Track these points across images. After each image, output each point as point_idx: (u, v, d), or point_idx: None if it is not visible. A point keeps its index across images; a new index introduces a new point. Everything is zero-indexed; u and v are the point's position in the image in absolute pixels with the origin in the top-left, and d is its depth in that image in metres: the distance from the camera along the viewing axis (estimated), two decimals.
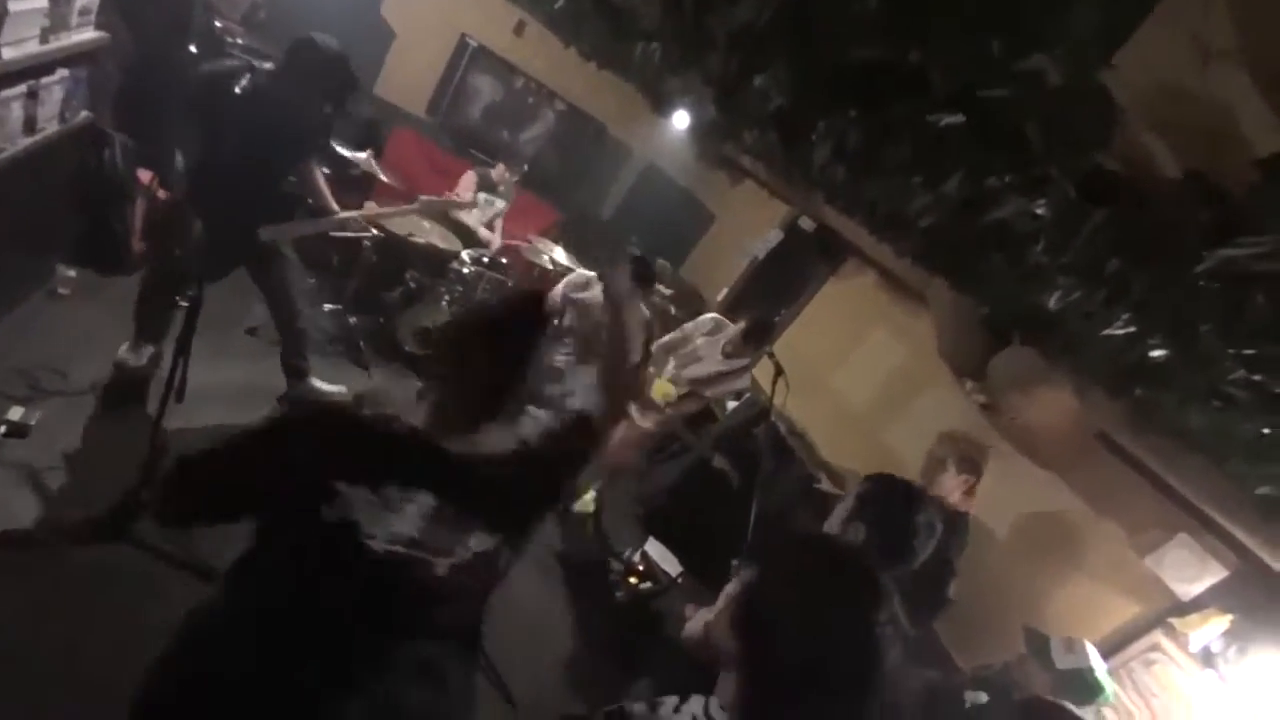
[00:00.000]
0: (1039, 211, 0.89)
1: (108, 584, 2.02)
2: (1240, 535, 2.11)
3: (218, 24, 3.42)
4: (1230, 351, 0.85)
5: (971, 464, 2.44)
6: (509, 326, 1.11)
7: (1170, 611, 2.49)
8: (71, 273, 3.11)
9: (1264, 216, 0.64)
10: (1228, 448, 1.49)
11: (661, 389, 3.26)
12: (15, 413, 2.34)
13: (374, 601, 0.94)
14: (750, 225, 5.03)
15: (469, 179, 4.36)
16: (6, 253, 2.60)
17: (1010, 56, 0.67)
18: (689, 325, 3.38)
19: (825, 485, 3.17)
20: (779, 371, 3.12)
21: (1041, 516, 2.87)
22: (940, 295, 2.76)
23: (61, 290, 3.07)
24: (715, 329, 3.29)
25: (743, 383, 3.28)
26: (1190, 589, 2.47)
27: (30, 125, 2.33)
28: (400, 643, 0.96)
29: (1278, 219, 0.70)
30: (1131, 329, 1.07)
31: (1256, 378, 0.88)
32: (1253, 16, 0.67)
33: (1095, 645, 2.56)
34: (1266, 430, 1.07)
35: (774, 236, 4.63)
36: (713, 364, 3.21)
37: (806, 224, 4.40)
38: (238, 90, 2.41)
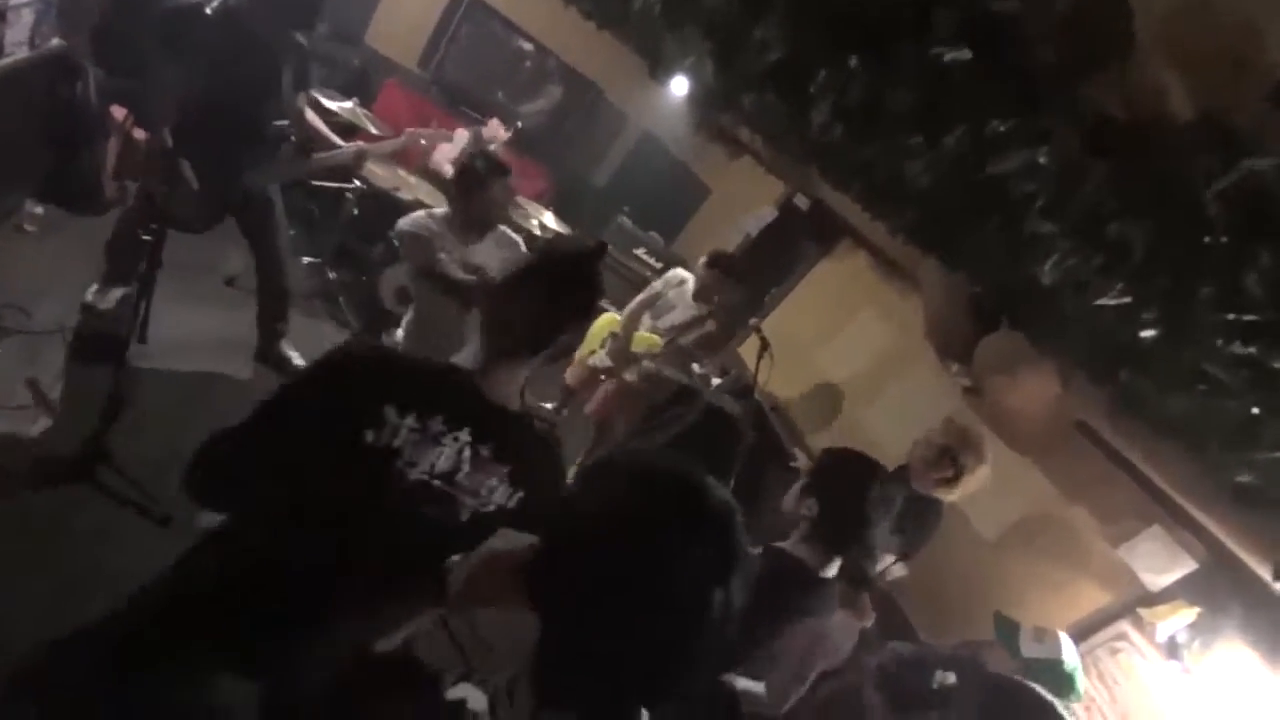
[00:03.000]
0: (1041, 160, 0.85)
1: (62, 528, 1.96)
2: (1212, 527, 2.12)
3: None
4: (1229, 318, 0.82)
5: (950, 458, 2.36)
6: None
7: (1138, 602, 2.51)
8: (39, 209, 2.99)
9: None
10: (1209, 434, 1.47)
11: (644, 339, 3.34)
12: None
13: (398, 536, 0.92)
14: (745, 201, 4.96)
15: (460, 134, 4.25)
16: None
17: None
18: (657, 282, 3.51)
19: (801, 463, 3.17)
20: (765, 347, 3.10)
21: (1016, 503, 2.89)
22: (931, 275, 2.73)
23: (28, 226, 2.95)
24: (681, 281, 3.44)
25: (710, 326, 3.38)
26: (1160, 580, 2.49)
27: None
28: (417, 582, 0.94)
29: None
30: (1126, 299, 1.03)
31: (1251, 350, 0.85)
32: None
33: (1063, 631, 2.61)
34: (1256, 410, 1.04)
35: (768, 213, 4.57)
36: (685, 311, 3.34)
37: (802, 202, 4.34)
38: (205, 16, 2.31)
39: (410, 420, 0.92)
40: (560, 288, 1.04)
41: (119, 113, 3.28)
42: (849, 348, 3.79)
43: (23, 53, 2.36)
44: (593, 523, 0.66)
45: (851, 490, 1.45)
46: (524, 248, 2.50)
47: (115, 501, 2.03)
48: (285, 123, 2.75)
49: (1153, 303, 1.07)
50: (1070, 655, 2.09)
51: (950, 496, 2.41)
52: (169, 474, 1.22)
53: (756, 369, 3.08)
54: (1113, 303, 1.08)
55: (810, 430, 3.80)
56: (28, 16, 2.31)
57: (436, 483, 0.94)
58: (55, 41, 2.62)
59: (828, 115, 1.51)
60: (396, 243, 2.30)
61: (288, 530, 0.90)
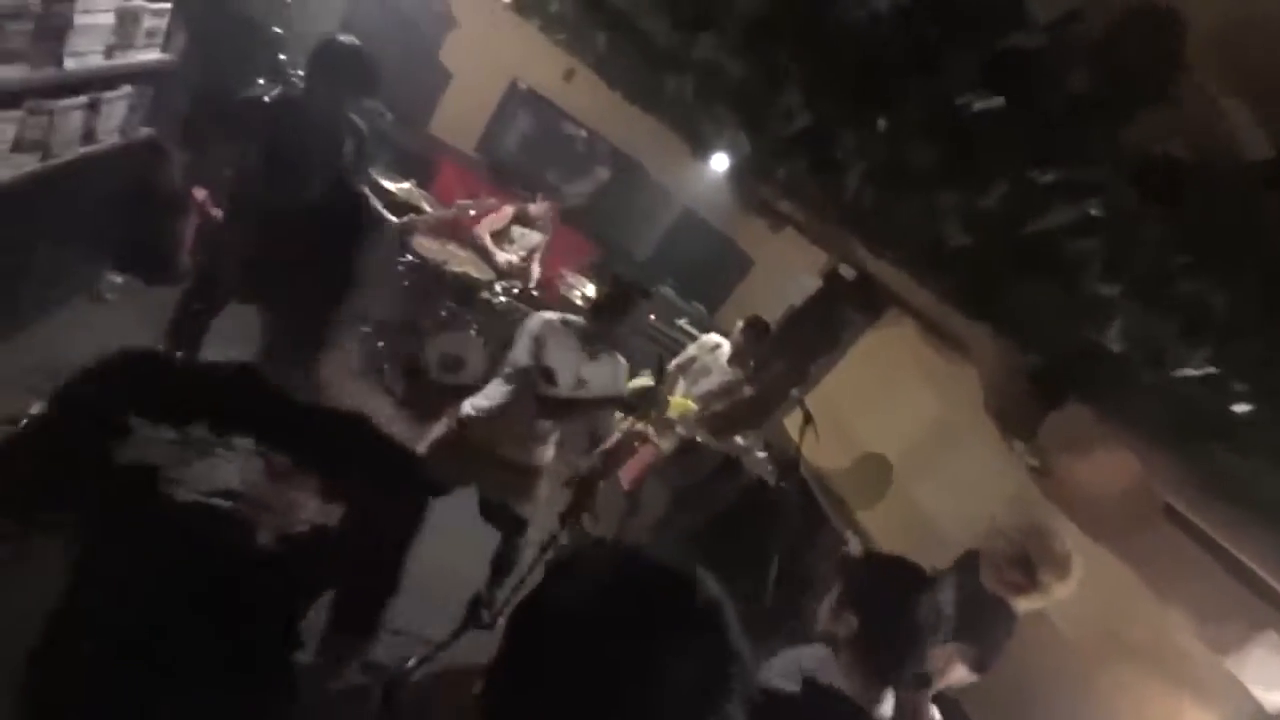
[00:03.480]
0: (1093, 213, 0.76)
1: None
2: None
3: (282, 56, 3.60)
4: None
5: (1026, 567, 2.05)
6: None
7: None
8: (118, 279, 3.23)
9: None
10: None
11: (679, 404, 3.29)
12: (37, 407, 2.36)
13: (180, 568, 0.79)
14: (789, 273, 4.93)
15: (506, 210, 4.43)
16: (55, 254, 2.70)
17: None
18: (692, 347, 3.58)
19: (853, 547, 2.94)
20: (808, 419, 2.97)
21: (1100, 597, 2.56)
22: (984, 343, 2.57)
23: (107, 295, 3.18)
24: (716, 345, 3.52)
25: (749, 391, 3.41)
26: (1277, 697, 2.13)
27: (89, 135, 2.45)
28: (209, 624, 0.81)
29: None
30: (1210, 369, 0.90)
31: None
32: None
33: None
34: None
35: (812, 284, 4.51)
36: (721, 375, 3.37)
37: (847, 272, 4.27)
38: (268, 100, 2.50)
39: (166, 431, 0.79)
40: None
41: (199, 193, 3.59)
42: (900, 420, 3.59)
43: (114, 140, 2.61)
44: (561, 627, 0.53)
45: (897, 603, 1.23)
46: (623, 374, 2.50)
47: None
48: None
49: (1244, 372, 0.94)
50: None
51: (1023, 606, 2.13)
52: None
53: (800, 442, 2.94)
54: (1197, 373, 0.95)
55: (861, 507, 3.56)
56: (121, 108, 2.56)
57: (216, 501, 0.79)
58: (144, 131, 2.91)
59: (858, 179, 1.47)
60: (525, 337, 2.31)
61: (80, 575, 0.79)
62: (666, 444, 3.26)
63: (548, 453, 2.49)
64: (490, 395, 2.37)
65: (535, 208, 4.50)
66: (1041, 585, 2.08)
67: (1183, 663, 2.32)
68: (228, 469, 0.80)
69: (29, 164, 2.10)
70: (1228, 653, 2.24)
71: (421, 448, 2.47)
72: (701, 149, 3.78)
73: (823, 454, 3.39)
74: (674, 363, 3.47)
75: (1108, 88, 0.58)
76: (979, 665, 2.15)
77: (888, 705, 1.26)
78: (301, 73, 3.72)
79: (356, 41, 2.53)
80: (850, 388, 4.08)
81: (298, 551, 0.82)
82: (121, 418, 0.78)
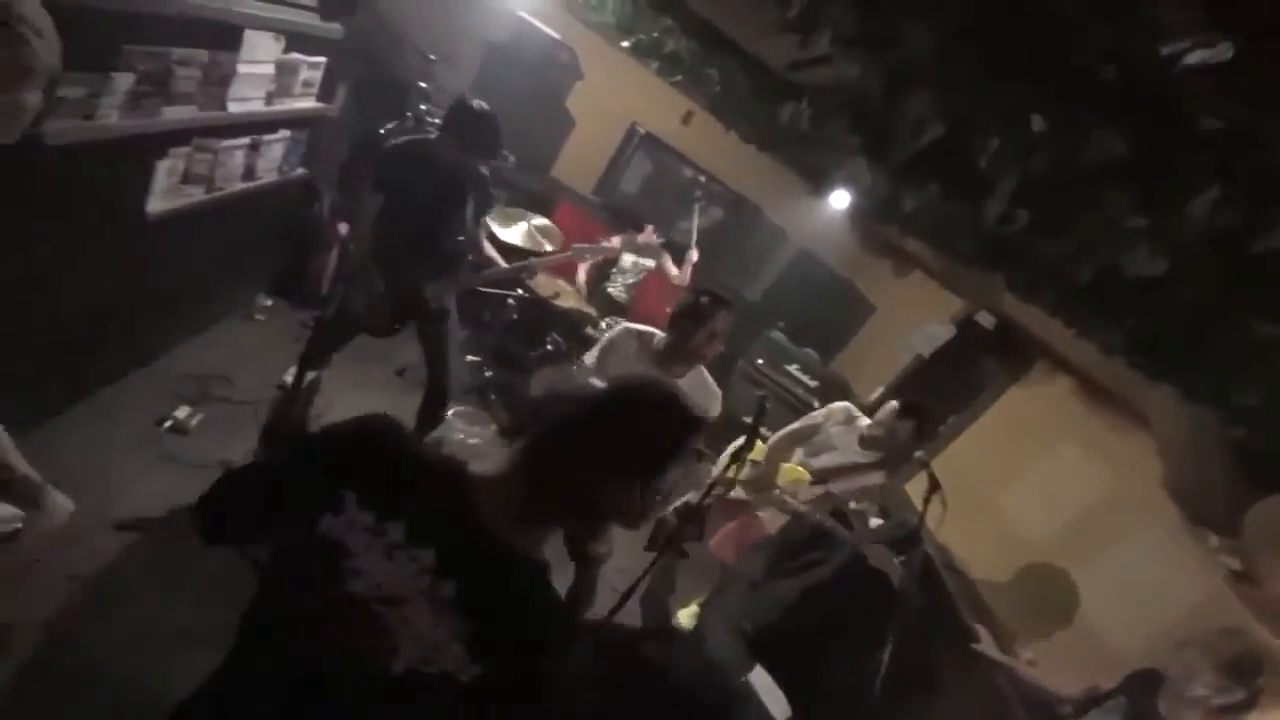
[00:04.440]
0: None
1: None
2: None
3: (423, 107, 3.91)
4: None
5: (1249, 676, 1.60)
6: None
7: None
8: (269, 301, 3.58)
9: None
10: None
11: (791, 472, 2.92)
12: (182, 411, 2.60)
13: (312, 661, 0.75)
14: (917, 319, 4.50)
15: (615, 240, 4.46)
16: (216, 276, 3.03)
17: None
18: (819, 413, 3.06)
19: (986, 646, 2.48)
20: (934, 486, 2.58)
21: None
22: (1167, 409, 2.11)
23: (258, 316, 3.52)
24: (849, 418, 2.95)
25: (877, 479, 2.85)
26: None
27: (249, 173, 2.73)
28: None
29: None
30: None
31: None
32: None
33: None
34: None
35: (944, 332, 4.07)
36: (848, 454, 2.85)
37: (985, 320, 3.81)
38: (409, 149, 2.68)
39: (366, 517, 0.75)
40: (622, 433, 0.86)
41: (344, 228, 3.94)
42: (1052, 498, 3.05)
43: (272, 177, 2.91)
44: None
45: None
46: (713, 399, 2.33)
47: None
48: (463, 239, 3.06)
49: None
50: None
51: None
52: None
53: (924, 513, 2.56)
54: None
55: (998, 599, 3.04)
56: (278, 149, 2.84)
57: (379, 607, 0.74)
58: (300, 171, 3.23)
59: (1006, 199, 1.23)
60: (599, 343, 2.29)
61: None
62: (764, 513, 2.94)
63: None
64: None
65: (643, 237, 4.50)
66: (1253, 707, 1.59)
67: None
68: (399, 577, 0.75)
69: (196, 195, 2.36)
70: None
71: None
72: (820, 185, 3.59)
73: (953, 530, 2.94)
74: (792, 426, 3.02)
75: None
76: None
77: None
78: (439, 121, 4.04)
79: (487, 107, 2.66)
80: (989, 453, 3.57)
81: (419, 698, 0.75)
82: (341, 491, 0.77)
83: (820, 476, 2.88)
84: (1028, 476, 3.21)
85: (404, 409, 3.31)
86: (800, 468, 2.97)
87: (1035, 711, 2.21)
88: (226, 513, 0.90)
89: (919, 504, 2.61)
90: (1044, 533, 2.99)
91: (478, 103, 2.64)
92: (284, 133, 2.83)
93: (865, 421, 2.92)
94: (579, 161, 5.30)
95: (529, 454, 0.86)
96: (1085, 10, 0.58)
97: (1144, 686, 1.83)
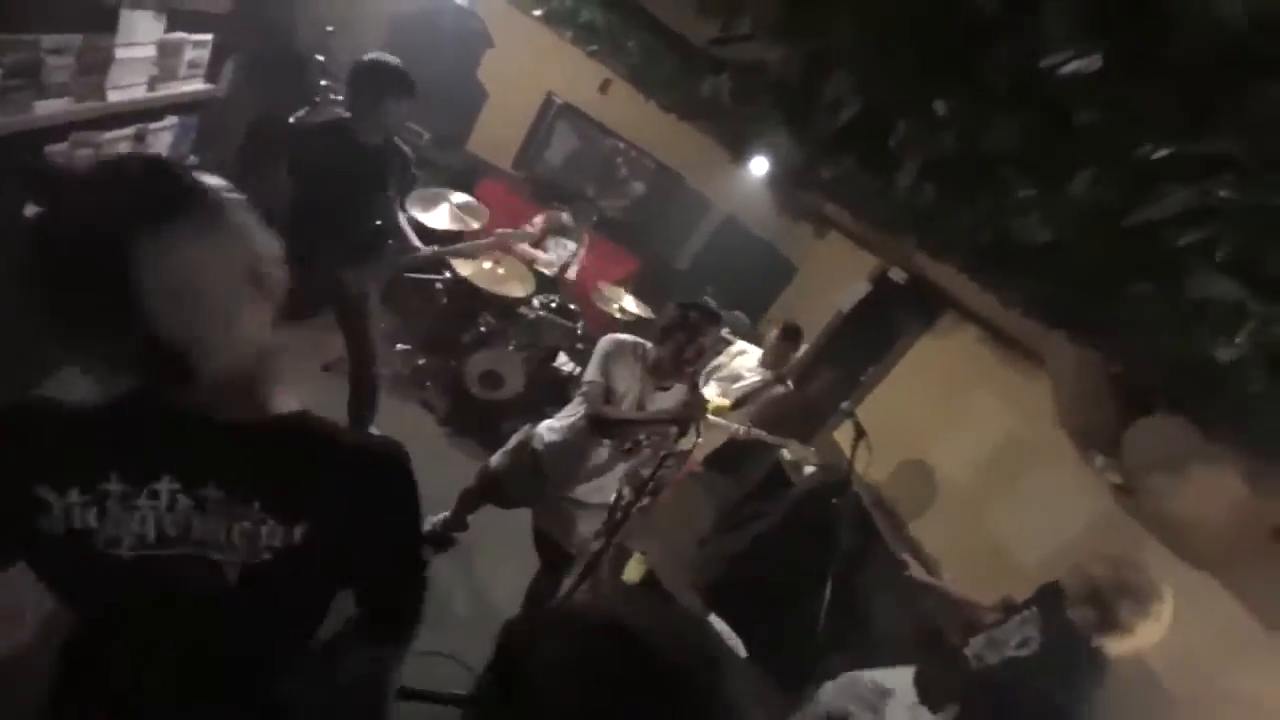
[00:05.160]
0: (1224, 194, 0.61)
1: None
2: None
3: (324, 83, 3.67)
4: None
5: (1101, 603, 1.83)
6: None
7: None
8: None
9: None
10: None
11: (712, 404, 3.29)
12: None
13: (158, 629, 0.76)
14: (836, 278, 4.73)
15: (539, 220, 4.41)
16: None
17: None
18: (720, 357, 3.67)
19: (915, 572, 2.73)
20: (860, 434, 2.79)
21: (1197, 633, 2.28)
22: (1060, 352, 2.35)
23: None
24: (742, 351, 3.68)
25: (781, 390, 3.52)
26: None
27: None
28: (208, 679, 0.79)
29: None
30: None
31: None
32: None
33: None
34: None
35: (860, 289, 4.31)
36: (751, 376, 3.46)
37: (898, 275, 4.05)
38: (324, 128, 2.53)
39: (74, 495, 0.71)
40: None
41: None
42: (964, 435, 3.34)
43: None
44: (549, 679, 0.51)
45: None
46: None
47: None
48: (383, 223, 2.94)
49: None
50: None
51: (1110, 648, 1.89)
52: None
53: (852, 458, 2.76)
54: None
55: (922, 531, 3.33)
56: (166, 139, 2.62)
57: (166, 553, 0.74)
58: (192, 160, 2.99)
59: (915, 174, 1.33)
60: (597, 355, 2.26)
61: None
62: (710, 438, 3.23)
63: (610, 491, 2.41)
64: (563, 416, 2.34)
65: (566, 216, 4.46)
66: (1121, 624, 1.84)
67: None
68: (156, 517, 0.73)
69: None
70: None
71: (494, 459, 2.52)
72: (740, 154, 3.67)
73: (877, 471, 3.18)
74: (705, 370, 3.50)
75: (1257, 33, 0.44)
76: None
77: None
78: (343, 97, 3.81)
79: (389, 58, 2.53)
80: (905, 400, 3.85)
81: (273, 580, 0.76)
82: (28, 493, 0.70)
83: (738, 401, 3.42)
84: (943, 418, 3.50)
85: (333, 406, 3.19)
86: (721, 399, 3.44)
87: (961, 623, 2.47)
88: None
89: (848, 451, 2.82)
90: (961, 468, 3.28)
91: (377, 54, 2.53)
92: (171, 119, 2.61)
93: (757, 351, 3.68)
94: (496, 135, 5.15)
95: None
96: (987, 23, 0.65)
97: (1053, 597, 2.07)
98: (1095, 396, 2.24)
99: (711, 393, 3.47)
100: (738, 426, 3.37)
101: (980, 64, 0.71)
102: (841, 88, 1.24)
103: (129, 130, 2.33)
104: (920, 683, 2.25)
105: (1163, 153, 0.62)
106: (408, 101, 2.60)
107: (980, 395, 3.37)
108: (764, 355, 3.62)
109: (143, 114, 2.37)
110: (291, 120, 2.72)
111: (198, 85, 2.67)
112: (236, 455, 0.76)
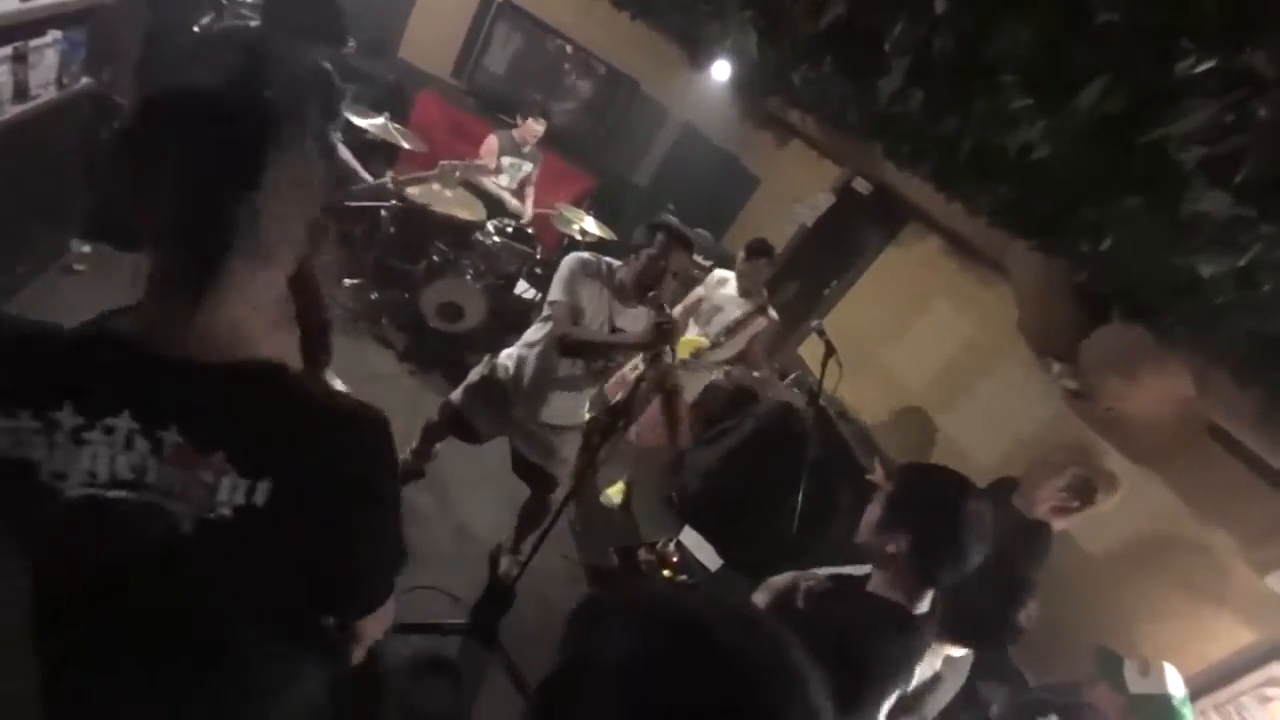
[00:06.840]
0: (1262, 114, 0.57)
1: None
2: None
3: None
4: None
5: (1085, 492, 2.02)
6: None
7: None
8: (86, 248, 3.03)
9: None
10: None
11: (692, 344, 3.14)
12: None
13: (100, 575, 0.71)
14: (798, 190, 4.62)
15: (490, 143, 4.11)
16: (14, 226, 2.50)
17: None
18: (698, 289, 3.34)
19: (877, 477, 2.85)
20: (830, 351, 2.81)
21: (1135, 520, 2.48)
22: (1024, 261, 2.37)
23: (77, 266, 2.98)
24: (721, 280, 3.28)
25: (764, 323, 3.18)
26: None
27: (21, 92, 2.18)
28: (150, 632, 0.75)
29: None
30: None
31: None
32: None
33: (1202, 674, 2.21)
34: None
35: (824, 201, 4.22)
36: (734, 309, 3.15)
37: (861, 186, 3.98)
38: (225, 40, 2.23)
39: (26, 420, 0.65)
40: None
41: None
42: (925, 344, 3.42)
43: (51, 94, 2.35)
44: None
45: (942, 513, 1.26)
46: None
47: None
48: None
49: None
50: (1176, 688, 2.00)
51: (1062, 525, 2.07)
52: None
53: (822, 374, 2.80)
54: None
55: (886, 438, 3.46)
56: (51, 57, 2.27)
57: (115, 494, 0.68)
58: (85, 80, 2.62)
59: (902, 81, 1.24)
60: (561, 274, 2.12)
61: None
62: (691, 383, 3.14)
63: (582, 412, 2.38)
64: (527, 340, 2.27)
65: (520, 132, 4.17)
66: (1096, 504, 2.02)
67: (1223, 584, 2.26)
68: (108, 455, 0.67)
69: None
70: (1269, 572, 2.17)
71: (455, 394, 2.41)
72: (702, 57, 3.44)
73: (844, 381, 3.25)
74: (679, 307, 3.23)
75: None
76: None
77: (926, 602, 1.31)
78: (248, 9, 3.37)
79: None
80: (869, 310, 3.89)
81: (227, 539, 0.70)
82: None
83: (725, 336, 3.13)
84: (906, 329, 3.56)
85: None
86: (700, 337, 3.20)
87: None
88: None
89: (814, 366, 2.86)
90: (922, 377, 3.38)
91: None
92: (54, 34, 2.25)
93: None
94: (429, 37, 4.69)
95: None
96: None
97: (1004, 489, 2.21)
98: (1056, 305, 2.29)
99: (692, 333, 3.23)
100: (716, 373, 3.26)
101: None
102: None
103: (6, 50, 2.00)
104: None
105: (1202, 66, 0.56)
106: (332, 49, 2.31)
107: (941, 305, 3.43)
108: (738, 281, 3.22)
109: (18, 29, 2.04)
110: (196, 30, 2.39)
111: None
112: (203, 400, 0.69)
